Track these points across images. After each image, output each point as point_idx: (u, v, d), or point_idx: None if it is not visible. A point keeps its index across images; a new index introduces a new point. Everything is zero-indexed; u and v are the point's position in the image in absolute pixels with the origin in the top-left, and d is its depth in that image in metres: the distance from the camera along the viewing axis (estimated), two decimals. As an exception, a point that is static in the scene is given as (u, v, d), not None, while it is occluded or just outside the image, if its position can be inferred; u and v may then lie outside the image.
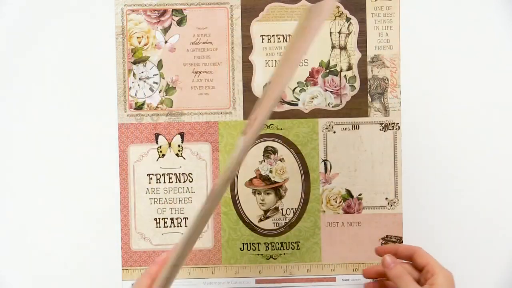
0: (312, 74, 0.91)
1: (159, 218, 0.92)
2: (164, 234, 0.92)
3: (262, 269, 0.92)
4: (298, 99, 0.91)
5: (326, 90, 0.91)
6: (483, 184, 0.90)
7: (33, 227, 0.90)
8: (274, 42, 0.91)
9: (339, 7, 0.91)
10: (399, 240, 0.90)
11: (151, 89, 0.90)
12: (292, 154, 0.92)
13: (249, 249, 0.92)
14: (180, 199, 0.92)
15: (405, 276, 0.80)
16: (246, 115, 0.91)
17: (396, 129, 0.91)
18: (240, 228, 0.92)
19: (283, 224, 0.92)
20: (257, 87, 0.91)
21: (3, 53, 0.90)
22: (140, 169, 0.91)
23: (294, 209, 0.91)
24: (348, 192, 0.91)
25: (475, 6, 0.90)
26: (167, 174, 0.90)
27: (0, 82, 0.91)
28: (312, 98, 0.91)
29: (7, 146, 0.90)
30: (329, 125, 0.91)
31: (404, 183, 0.91)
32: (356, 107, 0.91)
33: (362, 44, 0.91)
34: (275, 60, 0.91)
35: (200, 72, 0.91)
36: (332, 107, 0.91)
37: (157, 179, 0.91)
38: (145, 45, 0.91)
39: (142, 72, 0.90)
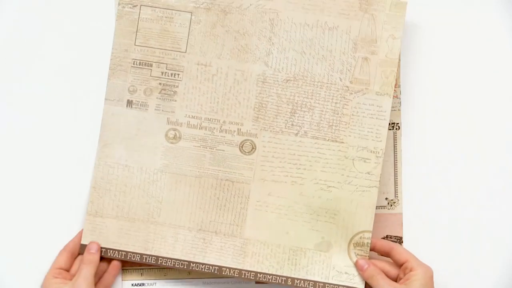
0: (313, 74, 0.91)
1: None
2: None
3: (263, 269, 0.92)
4: (300, 99, 0.91)
5: (327, 90, 0.91)
6: (483, 184, 0.91)
7: (32, 227, 0.90)
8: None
9: (339, 7, 0.91)
10: (399, 240, 0.91)
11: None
12: (293, 154, 0.92)
13: (249, 249, 0.92)
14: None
15: (377, 275, 0.86)
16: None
17: (396, 129, 0.92)
18: (241, 228, 0.93)
19: (284, 224, 0.92)
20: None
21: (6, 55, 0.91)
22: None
23: (295, 209, 0.92)
24: (349, 192, 0.91)
25: (475, 6, 0.91)
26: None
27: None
28: (314, 98, 0.92)
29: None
30: (330, 125, 0.91)
31: (404, 183, 0.91)
32: (357, 107, 0.91)
33: (362, 44, 0.91)
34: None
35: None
36: (333, 107, 0.91)
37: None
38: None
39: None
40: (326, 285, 0.88)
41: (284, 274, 0.88)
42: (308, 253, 0.88)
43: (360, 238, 0.88)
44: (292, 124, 0.88)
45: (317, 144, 0.88)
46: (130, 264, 0.91)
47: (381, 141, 0.88)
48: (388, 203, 0.93)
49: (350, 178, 0.88)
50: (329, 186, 0.88)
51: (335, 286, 0.88)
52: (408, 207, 0.93)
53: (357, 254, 0.88)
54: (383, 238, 0.93)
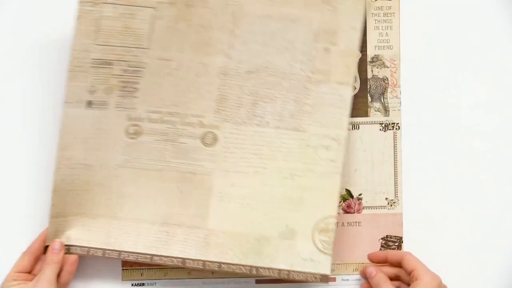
0: (313, 74, 0.92)
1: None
2: (164, 234, 0.93)
3: (263, 269, 0.92)
4: (299, 99, 0.92)
5: (327, 90, 0.92)
6: (483, 184, 0.91)
7: (32, 226, 0.91)
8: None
9: (339, 7, 0.91)
10: (399, 240, 0.91)
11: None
12: (293, 154, 0.92)
13: (249, 249, 0.93)
14: (180, 201, 0.93)
15: (383, 284, 0.88)
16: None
17: (396, 129, 0.92)
18: (241, 228, 0.93)
19: (284, 224, 0.92)
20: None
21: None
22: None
23: (295, 209, 0.92)
24: (348, 192, 0.92)
25: (475, 6, 0.91)
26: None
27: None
28: (313, 98, 0.92)
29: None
30: (330, 125, 0.92)
31: (404, 183, 0.92)
32: (356, 107, 0.92)
33: (362, 44, 0.91)
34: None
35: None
36: (333, 107, 0.92)
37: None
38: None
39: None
40: (291, 272, 0.88)
41: (249, 264, 0.88)
42: (273, 242, 0.88)
43: (325, 224, 0.88)
44: (254, 115, 0.88)
45: (279, 134, 0.88)
46: (130, 264, 0.92)
47: (342, 128, 0.88)
48: (388, 203, 0.93)
49: (313, 165, 0.88)
50: (292, 175, 0.88)
51: (300, 273, 0.88)
52: (408, 207, 0.93)
53: (322, 241, 0.88)
54: (383, 238, 0.93)
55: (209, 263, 0.88)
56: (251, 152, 0.88)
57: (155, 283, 0.93)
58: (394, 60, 0.93)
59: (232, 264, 0.88)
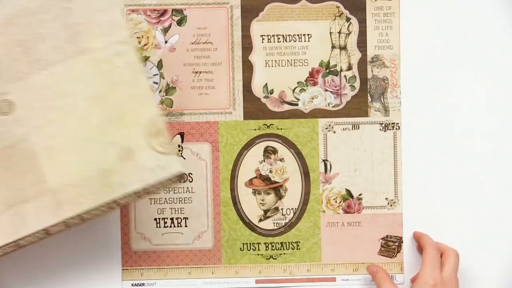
0: (312, 74, 0.92)
1: (159, 218, 0.93)
2: (164, 234, 0.93)
3: (262, 269, 0.93)
4: (298, 99, 0.92)
5: (326, 90, 0.92)
6: (483, 184, 0.91)
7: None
8: (274, 42, 0.92)
9: (339, 7, 0.92)
10: (399, 240, 0.91)
11: (151, 89, 0.90)
12: (292, 154, 0.92)
13: (249, 249, 0.93)
14: (180, 199, 0.93)
15: (383, 283, 0.89)
16: (246, 115, 0.91)
17: (396, 129, 0.92)
18: (240, 228, 0.93)
19: (283, 224, 0.93)
20: (257, 87, 0.91)
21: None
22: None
23: (294, 209, 0.92)
24: (348, 192, 0.92)
25: (475, 6, 0.91)
26: (167, 174, 0.92)
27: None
28: (312, 98, 0.92)
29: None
30: (329, 125, 0.92)
31: (404, 183, 0.92)
32: (356, 107, 0.92)
33: (362, 44, 0.92)
34: (275, 60, 0.91)
35: (200, 72, 0.92)
36: (332, 107, 0.92)
37: (156, 179, 0.92)
38: (145, 45, 0.92)
39: (142, 72, 0.92)
40: (148, 188, 0.83)
41: (105, 201, 0.83)
42: (116, 169, 0.83)
43: (154, 126, 0.83)
44: (34, 61, 0.83)
45: (68, 66, 0.83)
46: (130, 264, 0.92)
47: (121, 27, 0.84)
48: (388, 203, 0.94)
49: (115, 77, 0.84)
50: (101, 96, 0.84)
51: (157, 185, 0.83)
52: (408, 207, 0.93)
53: (160, 143, 0.84)
54: (383, 238, 0.93)
55: (70, 220, 0.83)
56: (51, 97, 0.84)
57: (155, 283, 0.94)
58: (394, 60, 0.94)
59: (91, 210, 0.83)
